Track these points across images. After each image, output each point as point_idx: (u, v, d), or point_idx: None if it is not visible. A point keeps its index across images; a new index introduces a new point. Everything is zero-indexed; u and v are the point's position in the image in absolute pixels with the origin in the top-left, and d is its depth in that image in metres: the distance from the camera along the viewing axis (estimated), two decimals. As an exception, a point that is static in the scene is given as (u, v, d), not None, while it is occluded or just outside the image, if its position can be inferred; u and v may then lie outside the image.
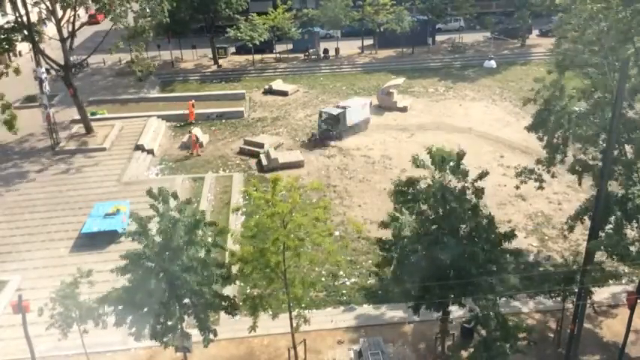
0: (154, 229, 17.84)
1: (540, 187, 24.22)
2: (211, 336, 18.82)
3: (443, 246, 18.14)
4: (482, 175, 18.84)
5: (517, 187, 24.89)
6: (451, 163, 18.62)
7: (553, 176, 24.43)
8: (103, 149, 39.34)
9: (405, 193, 18.98)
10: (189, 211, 18.45)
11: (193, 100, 45.87)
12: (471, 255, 18.17)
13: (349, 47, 62.50)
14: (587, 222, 21.20)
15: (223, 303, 19.20)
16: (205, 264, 18.15)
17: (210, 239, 18.91)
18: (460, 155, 18.70)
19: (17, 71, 35.54)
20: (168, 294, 17.84)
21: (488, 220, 18.98)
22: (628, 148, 21.47)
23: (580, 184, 23.65)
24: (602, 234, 19.86)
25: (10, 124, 33.34)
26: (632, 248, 19.60)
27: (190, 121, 44.28)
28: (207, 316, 18.89)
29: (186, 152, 39.44)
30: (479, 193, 18.84)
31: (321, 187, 20.45)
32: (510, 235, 19.10)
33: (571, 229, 22.47)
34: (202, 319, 18.55)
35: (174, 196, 18.63)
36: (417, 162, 18.79)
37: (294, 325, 19.54)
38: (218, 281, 18.84)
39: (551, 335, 22.74)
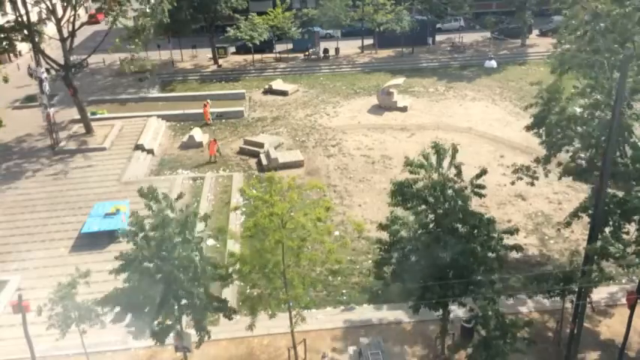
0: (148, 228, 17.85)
1: (531, 184, 24.83)
2: (206, 337, 18.80)
3: (443, 244, 18.17)
4: (481, 174, 18.90)
5: (512, 183, 25.63)
6: (447, 160, 18.73)
7: (546, 175, 24.63)
8: (103, 149, 39.36)
9: (403, 192, 18.99)
10: (180, 207, 18.44)
11: (208, 100, 45.74)
12: (471, 251, 18.19)
13: (349, 47, 62.53)
14: (587, 222, 21.21)
15: (219, 305, 19.16)
16: (199, 263, 18.12)
17: (205, 236, 18.86)
18: (454, 149, 18.77)
19: (6, 79, 35.15)
20: (165, 294, 17.83)
21: (488, 219, 19.03)
22: (628, 149, 21.53)
23: (574, 179, 23.88)
24: (601, 236, 19.93)
25: None
26: (628, 250, 19.64)
27: (206, 122, 44.25)
28: (204, 316, 18.86)
29: (186, 152, 39.51)
30: (479, 191, 18.92)
31: (322, 186, 20.46)
32: (512, 231, 19.33)
33: (568, 224, 22.58)
34: (199, 320, 18.54)
35: (165, 196, 18.54)
36: (410, 166, 18.83)
37: (292, 323, 19.56)
38: (216, 279, 18.81)
39: (551, 335, 22.76)
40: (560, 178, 24.33)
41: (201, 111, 45.12)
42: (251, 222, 18.83)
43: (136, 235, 17.63)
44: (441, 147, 18.82)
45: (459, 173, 18.80)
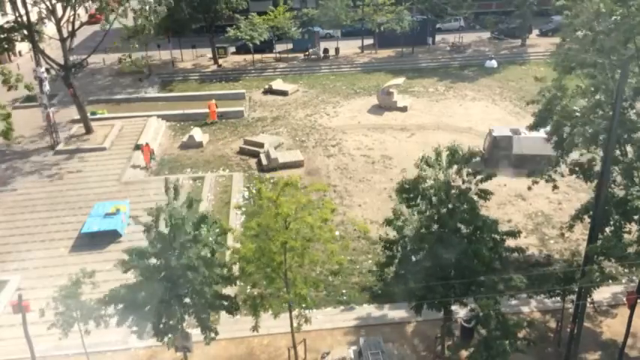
0: (161, 225, 17.85)
1: (554, 187, 24.32)
2: (212, 335, 18.84)
3: (446, 244, 18.15)
4: (488, 177, 18.92)
5: (529, 188, 25.06)
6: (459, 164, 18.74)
7: (563, 175, 24.45)
8: (103, 149, 39.36)
9: (409, 191, 18.99)
10: (196, 208, 18.51)
11: (214, 100, 45.67)
12: (475, 252, 18.19)
13: (349, 47, 62.53)
14: (588, 222, 21.21)
15: (224, 303, 19.20)
16: (209, 263, 18.16)
17: (212, 239, 18.90)
18: (473, 153, 18.74)
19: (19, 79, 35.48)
20: (170, 293, 17.84)
21: (492, 221, 19.04)
22: (629, 148, 21.50)
23: (586, 182, 23.62)
24: (601, 236, 19.91)
25: (6, 134, 33.04)
26: (629, 250, 19.63)
27: (212, 121, 44.19)
28: (209, 315, 18.89)
29: (186, 152, 39.52)
30: (484, 194, 18.94)
31: (326, 188, 20.44)
32: (514, 233, 19.27)
33: (570, 227, 22.54)
34: (203, 319, 18.56)
35: (188, 196, 18.58)
36: (423, 165, 18.82)
37: (295, 324, 19.55)
38: (219, 281, 18.85)
39: (551, 335, 22.75)
40: (586, 182, 23.89)
41: (201, 111, 45.13)
42: (254, 222, 18.83)
43: (151, 229, 17.57)
44: (456, 149, 18.76)
45: (474, 175, 18.78)
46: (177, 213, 17.57)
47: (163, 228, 17.68)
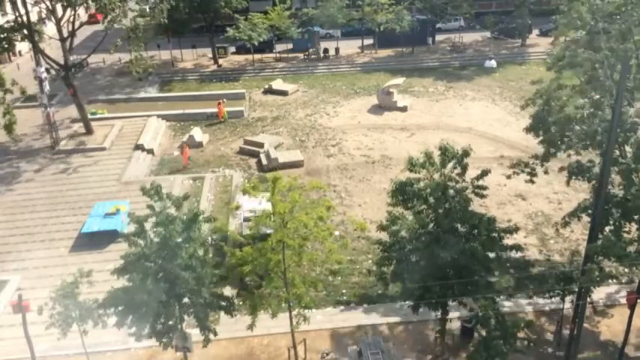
0: (151, 227, 17.82)
1: (531, 181, 24.44)
2: (211, 336, 18.84)
3: (443, 244, 18.17)
4: (483, 174, 18.89)
5: (508, 177, 25.04)
6: (453, 162, 18.71)
7: (546, 172, 24.45)
8: (103, 149, 39.37)
9: (404, 191, 18.99)
10: (186, 208, 18.45)
11: (224, 99, 45.89)
12: (471, 251, 18.20)
13: (349, 47, 62.53)
14: (588, 221, 21.19)
15: (222, 303, 19.20)
16: (204, 262, 18.14)
17: (209, 238, 18.89)
18: (466, 152, 18.74)
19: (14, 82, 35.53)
20: (168, 293, 17.83)
21: (488, 218, 19.03)
22: (628, 148, 21.50)
23: (568, 184, 23.63)
24: (601, 235, 19.90)
25: (9, 128, 33.21)
26: (630, 249, 19.63)
27: (220, 120, 44.32)
28: (207, 315, 18.89)
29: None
30: (481, 189, 18.92)
31: (323, 186, 20.49)
32: (512, 230, 19.24)
33: (566, 224, 22.50)
34: (202, 319, 18.55)
35: (169, 196, 18.53)
36: (412, 165, 18.80)
37: (294, 323, 19.56)
38: (217, 281, 18.84)
39: (551, 335, 22.75)
40: (568, 184, 23.89)
41: (201, 110, 45.13)
42: (252, 222, 18.83)
43: (136, 235, 17.60)
44: (448, 148, 18.77)
45: (463, 173, 18.78)
46: (164, 215, 17.51)
47: (153, 230, 17.65)
